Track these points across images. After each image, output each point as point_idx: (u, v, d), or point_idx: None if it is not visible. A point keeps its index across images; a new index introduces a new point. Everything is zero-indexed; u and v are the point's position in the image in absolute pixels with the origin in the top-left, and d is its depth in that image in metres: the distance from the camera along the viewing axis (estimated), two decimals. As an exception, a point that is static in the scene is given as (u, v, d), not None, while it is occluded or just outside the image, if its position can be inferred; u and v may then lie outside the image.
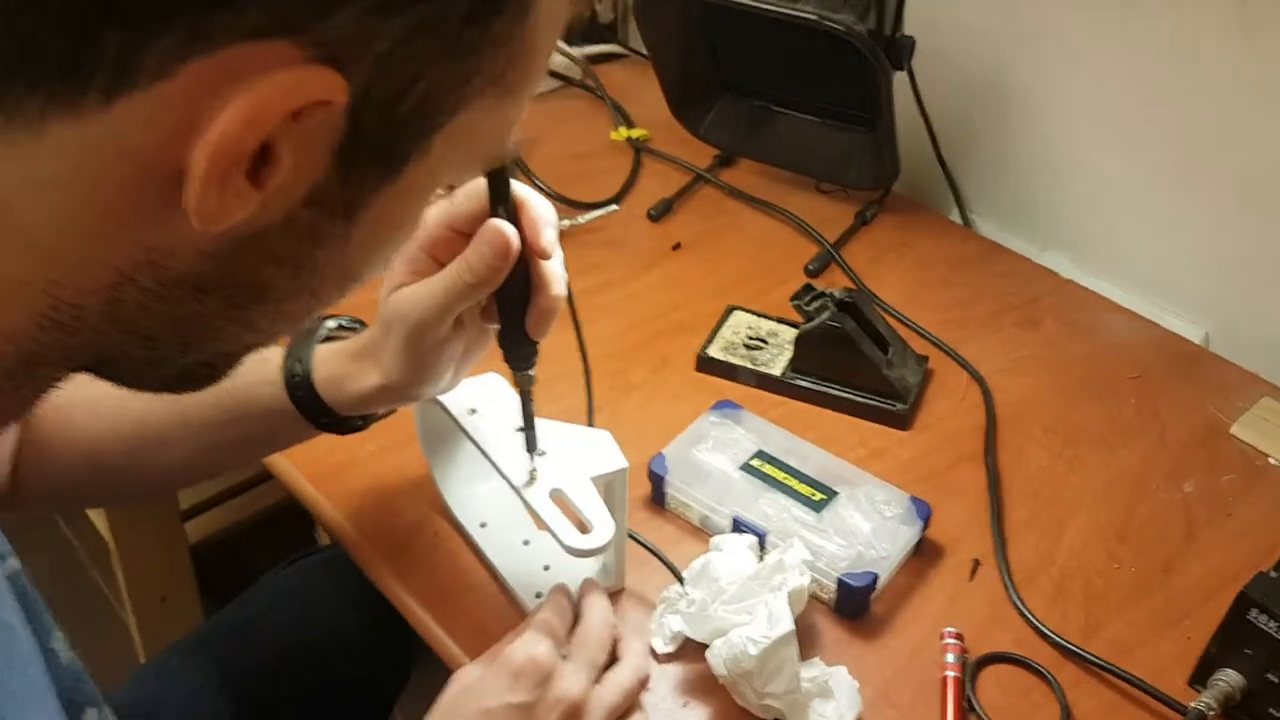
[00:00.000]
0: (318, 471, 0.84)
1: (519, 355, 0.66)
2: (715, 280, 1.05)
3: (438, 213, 0.62)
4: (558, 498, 0.70)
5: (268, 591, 0.98)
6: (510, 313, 0.64)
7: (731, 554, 0.74)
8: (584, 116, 1.25)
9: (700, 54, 1.10)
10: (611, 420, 0.90)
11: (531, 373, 0.67)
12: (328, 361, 0.67)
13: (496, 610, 0.76)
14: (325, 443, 0.86)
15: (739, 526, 0.79)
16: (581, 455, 0.72)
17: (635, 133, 1.21)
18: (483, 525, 0.81)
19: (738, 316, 0.99)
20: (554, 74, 1.26)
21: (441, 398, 0.75)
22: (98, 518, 1.29)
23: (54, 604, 0.50)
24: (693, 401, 0.92)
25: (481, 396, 0.74)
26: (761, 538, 0.78)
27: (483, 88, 0.36)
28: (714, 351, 0.95)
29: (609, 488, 0.72)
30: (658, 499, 0.84)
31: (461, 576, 0.78)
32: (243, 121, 0.31)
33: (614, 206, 1.09)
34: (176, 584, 1.40)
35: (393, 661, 0.97)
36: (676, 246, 1.08)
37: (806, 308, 0.91)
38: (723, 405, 0.88)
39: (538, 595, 0.76)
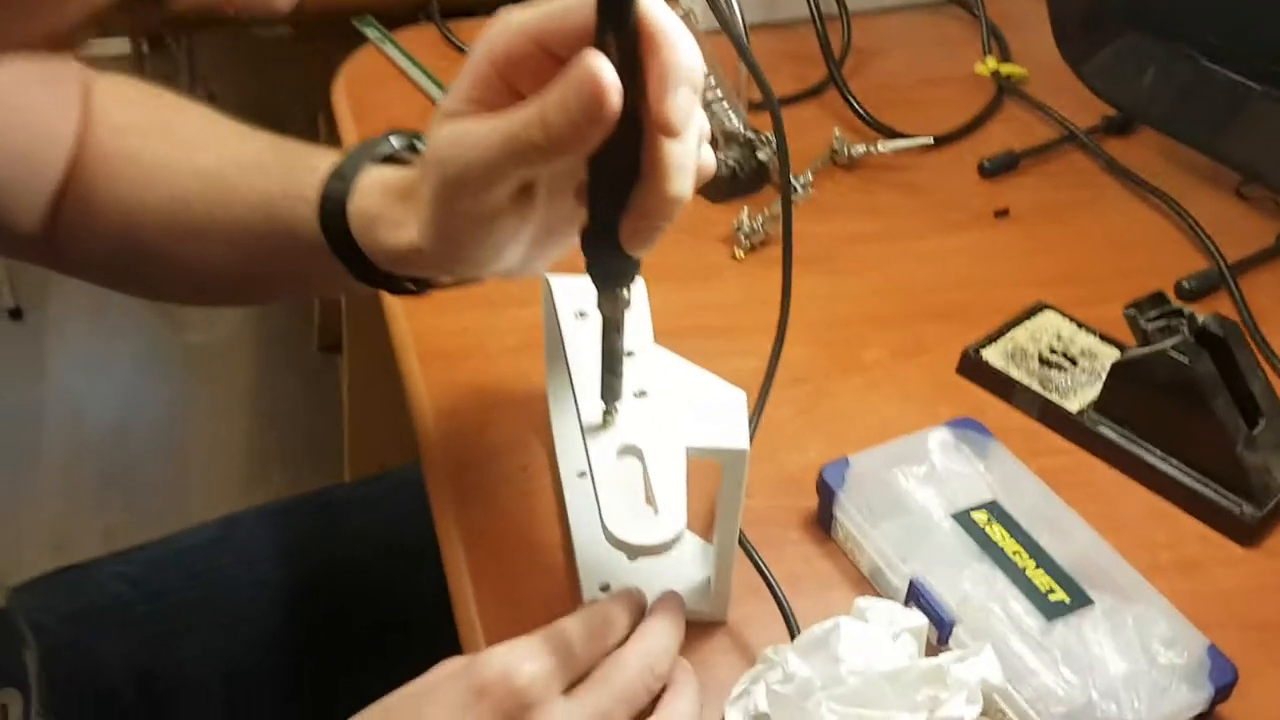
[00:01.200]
0: (433, 347, 0.67)
1: (603, 267, 0.44)
2: (1037, 267, 0.76)
3: (527, 19, 0.41)
4: (630, 459, 0.47)
5: (388, 481, 0.84)
6: (602, 201, 0.42)
7: (876, 630, 0.48)
8: (950, 41, 0.98)
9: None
10: (813, 400, 0.66)
11: (624, 294, 0.45)
12: (370, 191, 0.48)
13: (550, 591, 0.55)
14: (460, 318, 0.69)
15: (916, 596, 0.53)
16: (691, 414, 0.48)
17: (1008, 68, 0.92)
18: (581, 475, 0.59)
19: (1047, 318, 0.70)
20: (931, -16, 1.00)
21: (552, 283, 0.55)
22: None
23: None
24: (933, 409, 0.65)
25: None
26: (943, 625, 0.51)
27: None
28: (991, 355, 0.67)
29: (725, 471, 0.48)
30: (823, 520, 0.58)
31: (530, 532, 0.58)
32: None
33: (926, 139, 0.82)
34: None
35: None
36: (1002, 213, 0.80)
37: (1146, 325, 0.61)
38: (964, 423, 0.61)
39: (604, 589, 0.54)
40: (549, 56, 0.40)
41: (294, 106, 1.48)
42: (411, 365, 0.66)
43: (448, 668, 0.45)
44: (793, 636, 0.52)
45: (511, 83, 0.42)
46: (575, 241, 0.48)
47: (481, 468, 0.61)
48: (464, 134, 0.41)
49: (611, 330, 0.46)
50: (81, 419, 1.74)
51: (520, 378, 0.66)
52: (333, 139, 0.92)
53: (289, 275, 0.54)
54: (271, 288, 0.57)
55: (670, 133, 0.39)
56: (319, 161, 0.50)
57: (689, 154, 0.40)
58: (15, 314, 1.86)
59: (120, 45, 2.00)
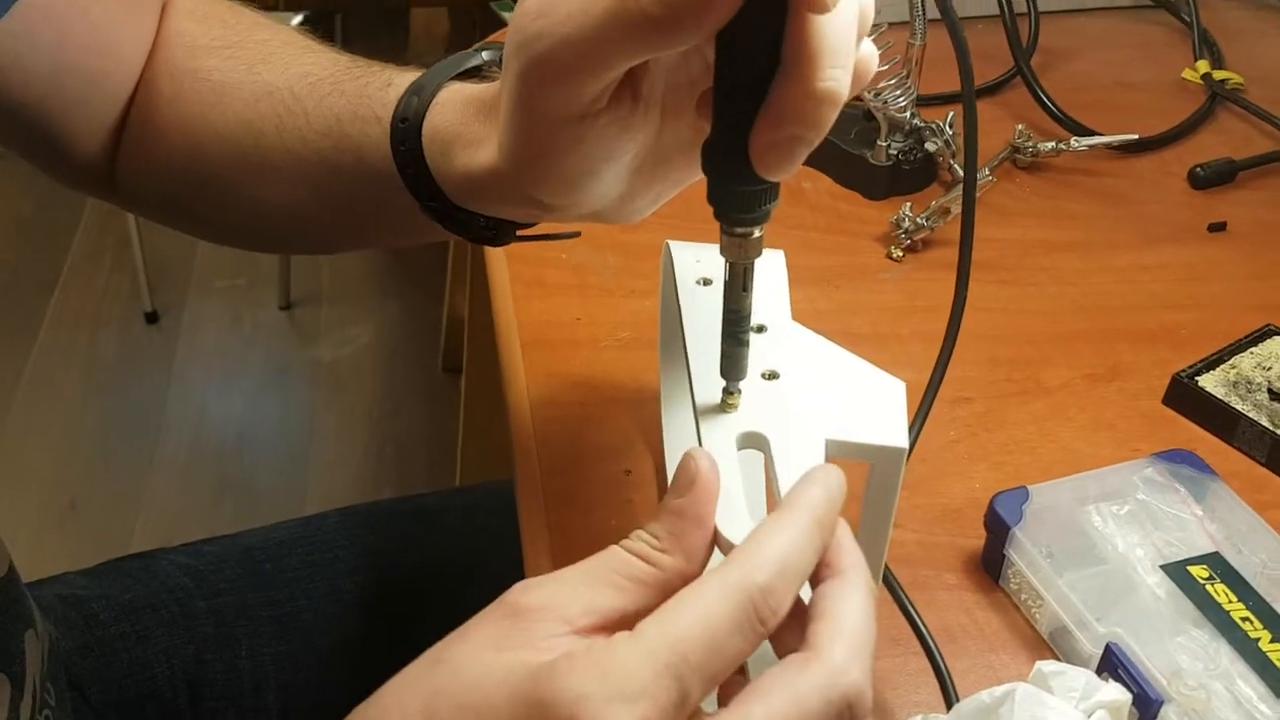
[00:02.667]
0: (538, 335, 0.59)
1: (730, 192, 0.34)
2: (1262, 289, 0.63)
3: None
4: (751, 447, 0.37)
5: (483, 490, 0.75)
6: (732, 100, 0.32)
7: (1062, 704, 0.37)
8: (1156, 45, 0.86)
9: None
10: (983, 424, 0.55)
11: (755, 234, 0.35)
12: (448, 106, 0.40)
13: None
14: (570, 306, 0.61)
15: (1114, 665, 0.41)
16: (835, 403, 0.38)
17: (1221, 73, 0.80)
18: (694, 484, 0.50)
19: (1277, 344, 0.57)
20: (1134, -13, 0.88)
21: (673, 247, 0.46)
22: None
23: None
24: (1131, 443, 0.53)
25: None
26: (1148, 704, 0.39)
27: None
28: (1208, 382, 0.55)
29: (873, 478, 0.38)
30: (990, 563, 0.47)
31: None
32: None
33: (1130, 137, 0.71)
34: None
35: None
36: (1218, 227, 0.67)
37: None
38: (1178, 456, 0.49)
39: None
40: None
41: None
42: (512, 351, 0.58)
43: (494, 675, 0.30)
44: (949, 703, 0.41)
45: None
46: (693, 177, 0.38)
47: (580, 469, 0.52)
48: (557, 1, 0.32)
49: (738, 284, 0.36)
50: (204, 424, 1.73)
51: (631, 374, 0.57)
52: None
53: (360, 215, 0.46)
54: (342, 231, 0.49)
55: (820, 7, 0.29)
56: (396, 77, 0.42)
57: (846, 39, 0.31)
58: (151, 317, 1.87)
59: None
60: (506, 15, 0.85)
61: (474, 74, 0.42)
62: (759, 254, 0.35)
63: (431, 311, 1.82)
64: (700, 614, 0.29)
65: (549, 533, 0.49)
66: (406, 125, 0.40)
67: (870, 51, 0.34)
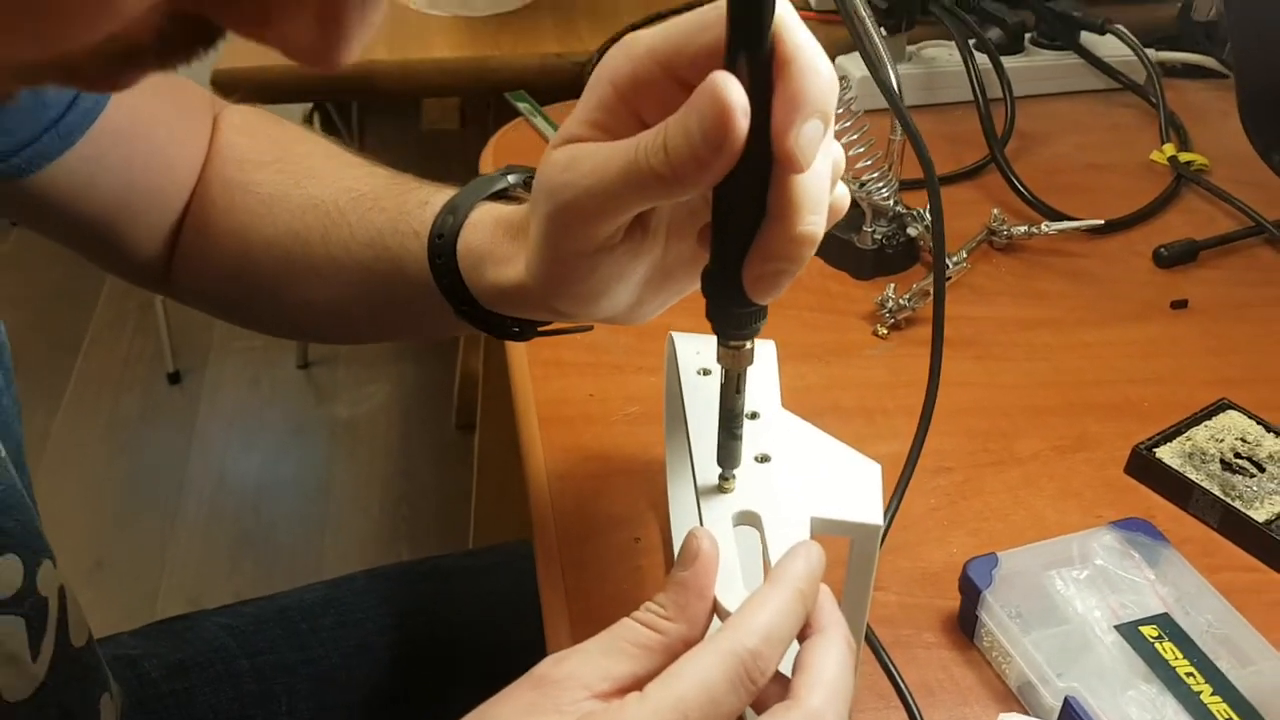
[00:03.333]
0: (555, 411, 0.64)
1: (725, 313, 0.40)
2: (1218, 364, 0.68)
3: (653, 40, 0.38)
4: (747, 527, 0.43)
5: (500, 552, 0.80)
6: (726, 240, 0.38)
7: (1023, 751, 0.42)
8: (1126, 128, 0.92)
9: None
10: (960, 492, 0.60)
11: (746, 346, 0.41)
12: (480, 226, 0.46)
13: (655, 674, 0.50)
14: (584, 383, 0.66)
15: (1071, 715, 0.46)
16: (820, 484, 0.44)
17: (1186, 155, 0.86)
18: (697, 553, 0.55)
19: (1230, 418, 0.62)
20: (1109, 70, 0.94)
21: (675, 338, 0.51)
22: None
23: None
24: (1095, 510, 0.58)
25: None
26: (1102, 752, 0.44)
27: None
28: (1165, 454, 0.60)
29: (854, 550, 0.43)
30: (965, 624, 0.52)
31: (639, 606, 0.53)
32: None
33: (1096, 222, 0.76)
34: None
35: None
36: (1180, 304, 0.73)
37: (1348, 426, 0.53)
38: (1133, 524, 0.54)
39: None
40: (676, 82, 0.37)
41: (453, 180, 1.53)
42: (531, 427, 0.64)
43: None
44: (924, 749, 0.46)
45: (635, 109, 0.39)
46: (693, 287, 0.44)
47: (593, 537, 0.57)
48: (580, 158, 0.38)
49: (731, 388, 0.42)
50: (224, 482, 1.78)
51: (641, 447, 0.62)
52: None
53: (398, 313, 0.52)
54: (381, 327, 0.55)
55: (794, 168, 0.35)
56: (433, 196, 0.49)
57: (820, 191, 0.36)
58: (174, 378, 1.94)
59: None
60: (520, 105, 0.92)
61: (501, 195, 0.48)
62: (750, 363, 0.41)
63: (444, 370, 1.88)
64: (699, 677, 0.34)
65: (566, 596, 0.54)
66: (443, 241, 0.46)
67: (842, 193, 0.40)
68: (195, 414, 1.89)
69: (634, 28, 0.96)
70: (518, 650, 0.40)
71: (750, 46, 0.35)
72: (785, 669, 0.38)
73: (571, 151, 0.38)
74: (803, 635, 0.38)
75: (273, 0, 0.23)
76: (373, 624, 0.72)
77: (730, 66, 0.35)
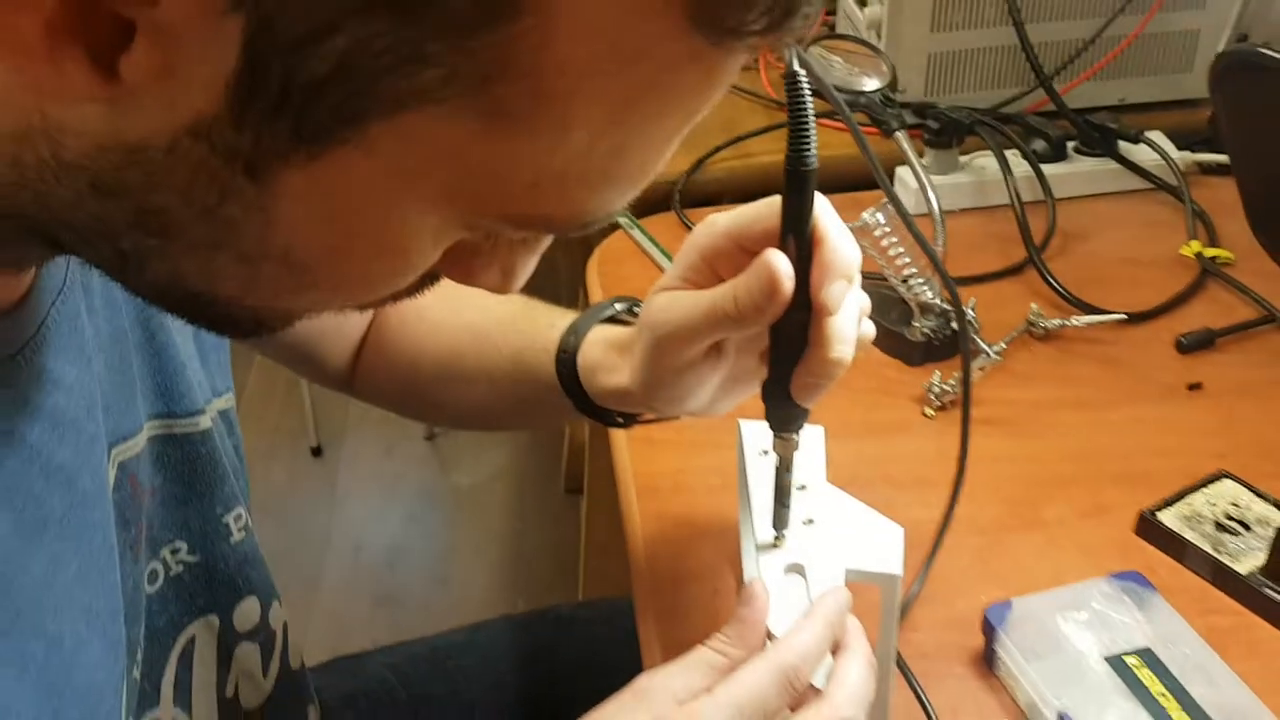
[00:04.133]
0: (649, 484, 0.78)
1: (778, 414, 0.54)
2: (1225, 440, 0.79)
3: (728, 222, 0.54)
4: (796, 575, 0.56)
5: (610, 605, 0.94)
6: (778, 362, 0.52)
7: (1015, 752, 0.53)
8: (1159, 225, 1.03)
9: (1303, 155, 0.83)
10: (991, 551, 0.71)
11: (795, 438, 0.55)
12: (595, 344, 0.61)
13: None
14: (671, 459, 0.80)
15: (1064, 731, 0.57)
16: (853, 542, 0.57)
17: (1212, 251, 0.96)
18: (767, 599, 0.68)
19: (1225, 486, 0.73)
20: (1143, 173, 1.05)
21: (742, 426, 0.65)
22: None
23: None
24: (1106, 565, 0.69)
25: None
26: (1086, 757, 0.56)
27: (444, 90, 0.30)
28: (1167, 517, 0.71)
29: (883, 595, 0.56)
30: (987, 658, 0.64)
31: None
32: None
33: (1119, 315, 0.87)
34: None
35: None
36: (1195, 387, 0.84)
37: (1309, 494, 0.64)
38: (1128, 576, 0.65)
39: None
40: (742, 250, 0.52)
41: (563, 275, 1.71)
42: (630, 499, 0.78)
43: None
44: (943, 754, 0.57)
45: (714, 268, 0.54)
46: (754, 391, 0.58)
47: (680, 589, 0.70)
48: (675, 302, 0.53)
49: (782, 468, 0.56)
50: (362, 546, 1.96)
51: (719, 513, 0.75)
52: (586, 305, 1.07)
53: (531, 409, 0.67)
54: (518, 419, 0.71)
55: (827, 313, 0.49)
56: (558, 320, 0.64)
57: (848, 328, 0.50)
58: (316, 451, 2.14)
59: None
60: (620, 219, 1.07)
61: (611, 319, 0.63)
62: (797, 448, 0.55)
63: (554, 440, 2.04)
64: (752, 680, 0.48)
65: (658, 638, 0.68)
66: (566, 356, 0.62)
67: (868, 328, 0.54)
68: (335, 484, 2.09)
69: (719, 150, 1.11)
70: (623, 684, 0.54)
71: (797, 231, 0.49)
72: (819, 683, 0.51)
73: (669, 297, 0.53)
74: (834, 652, 0.51)
75: (477, 265, 0.40)
76: (505, 663, 0.86)
77: (782, 243, 0.49)
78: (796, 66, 0.46)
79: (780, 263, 0.48)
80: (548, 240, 0.43)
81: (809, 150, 0.47)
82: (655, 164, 0.37)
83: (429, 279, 0.41)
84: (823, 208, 0.50)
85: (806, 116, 0.47)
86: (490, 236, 0.40)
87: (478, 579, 1.88)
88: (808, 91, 0.47)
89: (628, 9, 0.30)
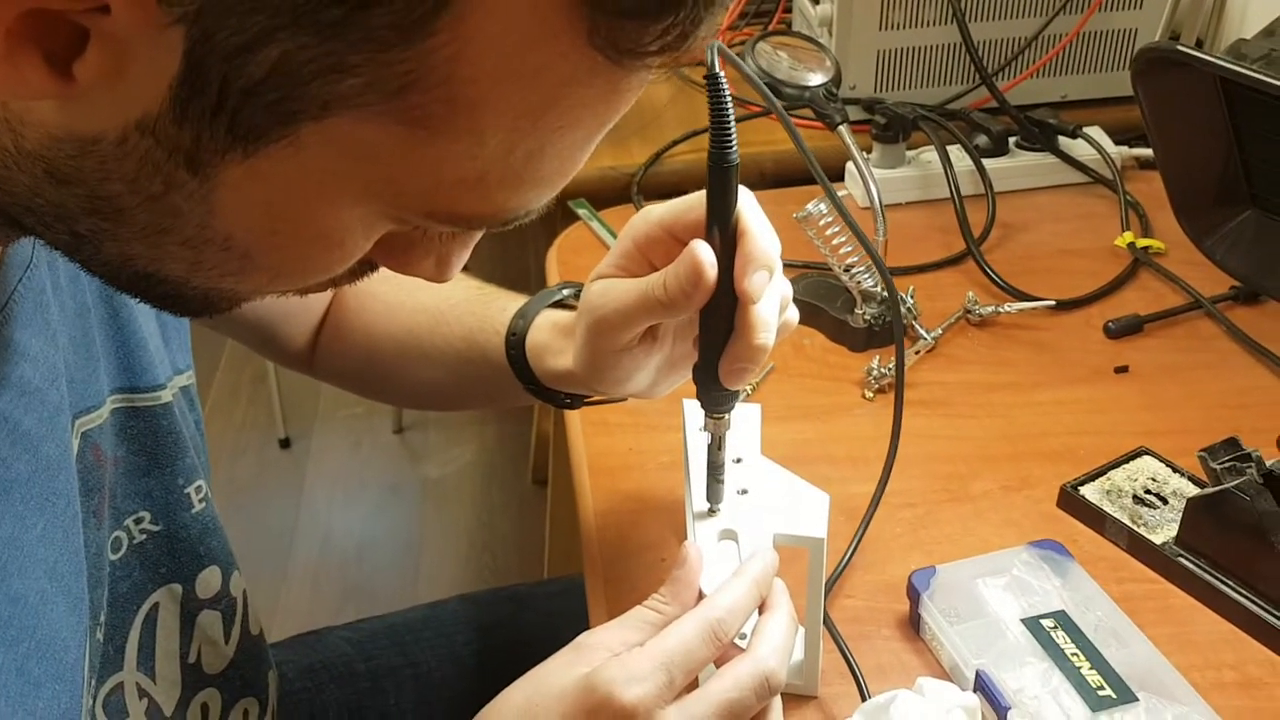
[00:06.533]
0: (602, 463, 0.81)
1: (708, 396, 0.58)
2: (1147, 419, 0.83)
3: (661, 212, 0.57)
4: (729, 541, 0.59)
5: (568, 582, 0.97)
6: (707, 347, 0.56)
7: (931, 705, 0.57)
8: (1096, 217, 1.07)
9: (1220, 147, 0.88)
10: (921, 522, 0.75)
11: (726, 418, 0.58)
12: (542, 328, 0.65)
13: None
14: (624, 439, 0.83)
15: (981, 685, 0.61)
16: (782, 509, 0.60)
17: (1145, 241, 1.00)
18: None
19: (1144, 462, 0.77)
20: (1081, 167, 1.09)
21: (686, 405, 0.69)
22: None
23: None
24: (1028, 536, 0.73)
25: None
26: (1000, 710, 0.59)
27: (366, 96, 0.33)
28: (1088, 491, 0.75)
29: (810, 557, 0.59)
30: (914, 621, 0.67)
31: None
32: None
33: (1049, 302, 0.92)
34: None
35: None
36: (1121, 370, 0.88)
37: (1216, 466, 0.67)
38: (1047, 545, 0.69)
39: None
40: (675, 240, 0.56)
41: (523, 265, 1.74)
42: (583, 476, 0.81)
43: (566, 679, 0.51)
44: (863, 698, 0.61)
45: (648, 256, 0.57)
46: (690, 374, 0.62)
47: (628, 560, 0.74)
48: (610, 288, 0.56)
49: (715, 446, 0.59)
50: (330, 538, 1.99)
51: (668, 489, 0.79)
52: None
53: (484, 389, 0.71)
54: (472, 400, 0.74)
55: (750, 301, 0.53)
56: (509, 304, 0.67)
57: (769, 316, 0.54)
58: (284, 443, 2.16)
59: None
60: (579, 210, 1.10)
61: (558, 304, 0.66)
62: (728, 428, 0.58)
63: (522, 433, 2.07)
64: (680, 635, 0.51)
65: (606, 605, 0.71)
66: (515, 338, 0.65)
67: (792, 315, 0.58)
68: (303, 476, 2.11)
69: (677, 143, 1.14)
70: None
71: (720, 223, 0.53)
72: (745, 640, 0.54)
73: (605, 284, 0.57)
74: (760, 610, 0.54)
75: (412, 256, 0.44)
76: (462, 637, 0.89)
77: (707, 234, 0.53)
78: (717, 69, 0.49)
79: (704, 253, 0.51)
80: (479, 233, 0.46)
81: (730, 147, 0.51)
82: (573, 166, 0.40)
83: (366, 266, 0.44)
84: (746, 202, 0.53)
85: (727, 116, 0.50)
86: (420, 229, 0.43)
87: (446, 570, 1.91)
88: (727, 92, 0.50)
89: (532, 29, 0.33)
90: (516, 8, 0.32)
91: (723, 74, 0.49)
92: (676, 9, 0.33)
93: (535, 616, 0.92)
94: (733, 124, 0.50)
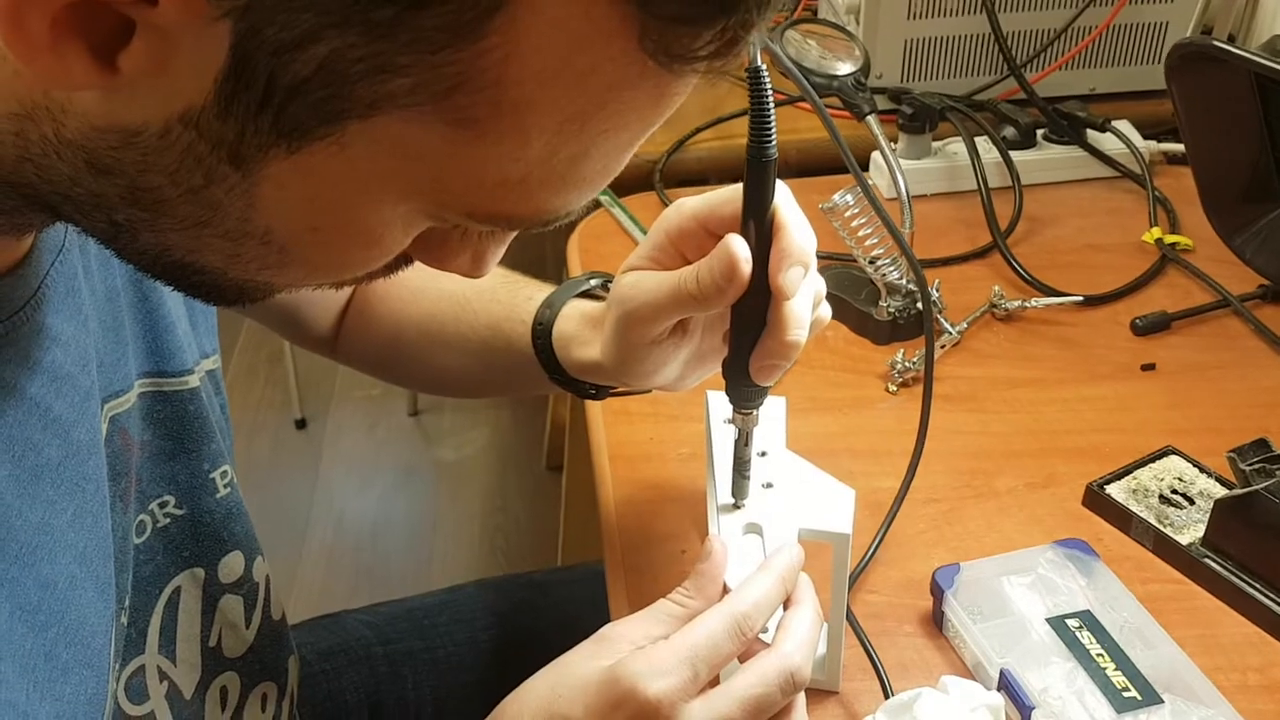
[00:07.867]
0: (622, 452, 0.81)
1: (737, 392, 0.57)
2: (1175, 418, 0.82)
3: (694, 205, 0.56)
4: (753, 535, 0.59)
5: (585, 569, 0.97)
6: (738, 342, 0.55)
7: (956, 703, 0.57)
8: (1123, 212, 1.06)
9: (1252, 144, 0.86)
10: (945, 519, 0.75)
11: (754, 414, 0.58)
12: (569, 318, 0.64)
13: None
14: (644, 429, 0.83)
15: (1005, 684, 0.60)
16: (807, 504, 0.60)
17: (1172, 238, 0.99)
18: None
19: (1171, 462, 0.76)
20: (1109, 161, 1.08)
21: (709, 396, 0.68)
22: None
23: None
24: (1053, 534, 0.73)
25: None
26: (1024, 710, 0.59)
27: (413, 96, 0.33)
28: (1114, 490, 0.74)
29: (834, 552, 0.59)
30: (937, 618, 0.67)
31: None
32: None
33: (1076, 297, 0.91)
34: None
35: None
36: (1149, 367, 0.87)
37: (1245, 467, 0.67)
38: (1072, 544, 0.68)
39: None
40: (708, 233, 0.55)
41: (544, 250, 1.74)
42: (603, 465, 0.80)
43: (590, 670, 0.51)
44: (886, 695, 0.61)
45: (680, 249, 0.57)
46: (718, 367, 0.61)
47: (648, 550, 0.73)
48: (642, 281, 0.56)
49: (742, 441, 0.59)
50: (344, 519, 1.99)
51: (688, 480, 0.78)
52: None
53: (508, 378, 0.70)
54: (495, 387, 0.74)
55: (783, 297, 0.52)
56: (535, 292, 0.67)
57: (803, 312, 0.53)
58: (300, 424, 2.16)
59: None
60: (601, 197, 1.09)
61: (586, 294, 0.66)
62: (756, 424, 0.58)
63: (536, 418, 2.07)
64: (706, 629, 0.51)
65: (627, 594, 0.71)
66: (541, 328, 0.64)
67: (825, 312, 0.57)
68: (319, 457, 2.12)
69: (700, 130, 1.14)
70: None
71: (757, 218, 0.52)
72: (770, 633, 0.54)
73: (636, 276, 0.56)
74: (785, 605, 0.54)
75: (448, 252, 0.44)
76: (480, 622, 0.89)
77: (742, 228, 0.52)
78: (759, 62, 0.49)
79: (740, 248, 0.51)
80: (515, 231, 0.46)
81: (770, 142, 0.50)
82: (615, 168, 0.40)
83: (402, 261, 0.44)
84: (783, 196, 0.52)
85: (768, 110, 0.49)
86: (459, 227, 0.43)
87: (459, 553, 1.91)
88: (769, 87, 0.49)
89: (583, 32, 0.33)
90: (570, 11, 0.32)
91: (765, 69, 0.49)
92: (729, 14, 0.33)
93: (553, 604, 0.92)
94: (773, 118, 0.49)
